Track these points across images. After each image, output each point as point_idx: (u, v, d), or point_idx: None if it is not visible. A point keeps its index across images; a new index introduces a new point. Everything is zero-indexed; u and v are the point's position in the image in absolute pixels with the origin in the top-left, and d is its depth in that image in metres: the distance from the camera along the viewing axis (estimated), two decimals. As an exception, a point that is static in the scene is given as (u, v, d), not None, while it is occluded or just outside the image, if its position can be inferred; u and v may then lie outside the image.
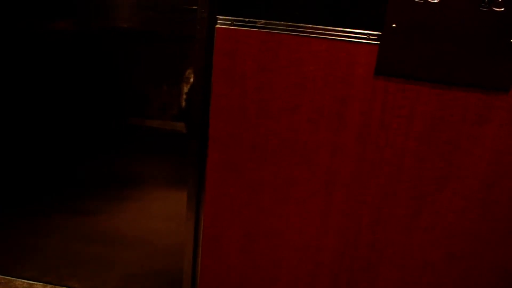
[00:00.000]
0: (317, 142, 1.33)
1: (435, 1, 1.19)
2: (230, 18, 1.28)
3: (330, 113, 1.30)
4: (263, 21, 1.26)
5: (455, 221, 1.36)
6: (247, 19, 1.27)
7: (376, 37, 1.23)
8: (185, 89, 1.42)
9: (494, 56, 1.22)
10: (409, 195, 1.35)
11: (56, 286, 1.73)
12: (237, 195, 1.42)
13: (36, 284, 1.73)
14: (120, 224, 1.61)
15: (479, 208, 1.35)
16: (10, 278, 1.74)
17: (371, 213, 1.38)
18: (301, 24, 1.25)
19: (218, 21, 1.29)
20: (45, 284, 1.73)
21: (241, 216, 1.45)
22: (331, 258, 1.45)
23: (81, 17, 1.41)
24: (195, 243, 1.52)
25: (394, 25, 1.21)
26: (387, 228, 1.39)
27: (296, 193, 1.39)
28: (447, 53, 1.23)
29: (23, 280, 1.74)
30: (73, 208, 1.63)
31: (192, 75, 1.38)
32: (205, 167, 1.41)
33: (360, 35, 1.23)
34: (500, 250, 1.38)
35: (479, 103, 1.26)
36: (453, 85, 1.25)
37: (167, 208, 1.56)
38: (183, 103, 1.44)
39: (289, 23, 1.26)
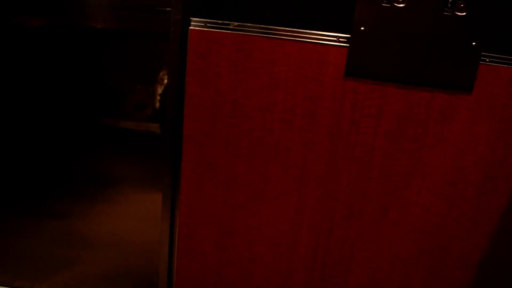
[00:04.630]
0: (290, 140, 1.37)
1: (401, 5, 1.24)
2: (203, 20, 1.30)
3: (302, 112, 1.34)
4: (236, 23, 1.29)
5: (422, 216, 1.42)
6: (220, 21, 1.29)
7: (345, 40, 1.27)
8: (160, 89, 1.44)
9: (458, 57, 1.28)
10: (378, 191, 1.40)
11: (29, 291, 1.71)
12: (211, 193, 1.44)
13: (8, 289, 1.70)
14: (94, 226, 1.60)
15: (444, 203, 1.40)
16: (-20, 283, 1.71)
17: (343, 209, 1.42)
18: (274, 27, 1.28)
19: (192, 23, 1.30)
20: (17, 288, 1.71)
21: (216, 214, 1.47)
22: (305, 253, 1.48)
23: (54, 15, 1.40)
24: (171, 243, 1.52)
25: (362, 28, 1.26)
26: (357, 223, 1.44)
27: (270, 191, 1.42)
28: (413, 55, 1.28)
29: (-6, 285, 1.71)
30: (45, 210, 1.60)
31: (166, 75, 1.40)
32: (180, 166, 1.42)
33: (330, 37, 1.27)
34: (465, 243, 1.44)
35: (443, 103, 1.32)
36: (419, 85, 1.30)
37: (142, 208, 1.56)
38: (158, 104, 1.45)
39: (262, 26, 1.28)
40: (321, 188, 1.41)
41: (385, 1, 1.24)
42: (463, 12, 1.25)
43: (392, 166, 1.37)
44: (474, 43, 1.27)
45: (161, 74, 1.42)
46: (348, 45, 1.27)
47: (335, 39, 1.28)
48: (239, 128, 1.37)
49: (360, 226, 1.44)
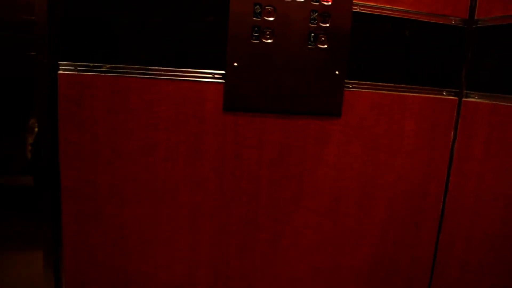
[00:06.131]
0: (177, 179, 1.35)
1: (269, 41, 1.32)
2: (73, 63, 1.24)
3: (186, 149, 1.33)
4: (108, 65, 1.25)
5: (312, 236, 1.49)
6: (91, 64, 1.25)
7: (221, 76, 1.31)
8: (31, 138, 1.33)
9: (325, 86, 1.39)
10: (269, 218, 1.44)
11: None
12: (99, 244, 1.35)
13: None
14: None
15: (330, 221, 1.49)
16: None
17: (237, 241, 1.43)
18: (149, 67, 1.27)
19: (60, 67, 1.24)
20: None
21: (106, 266, 1.37)
22: (204, 292, 1.46)
23: None
24: (57, 305, 1.39)
25: (235, 64, 1.31)
26: (253, 253, 1.46)
27: (162, 233, 1.38)
28: (285, 87, 1.36)
29: None
30: None
31: (37, 124, 1.30)
32: (61, 219, 1.32)
33: (206, 74, 1.30)
34: (352, 255, 1.54)
35: (318, 128, 1.41)
36: (294, 114, 1.39)
37: (22, 271, 1.41)
38: (30, 154, 1.34)
39: (137, 66, 1.27)
40: (214, 223, 1.40)
41: (253, 38, 1.30)
42: (325, 45, 1.36)
43: (278, 192, 1.42)
44: (337, 72, 1.39)
45: (31, 122, 1.32)
46: (223, 81, 1.31)
47: (210, 76, 1.31)
48: (122, 172, 1.31)
49: (256, 255, 1.46)
